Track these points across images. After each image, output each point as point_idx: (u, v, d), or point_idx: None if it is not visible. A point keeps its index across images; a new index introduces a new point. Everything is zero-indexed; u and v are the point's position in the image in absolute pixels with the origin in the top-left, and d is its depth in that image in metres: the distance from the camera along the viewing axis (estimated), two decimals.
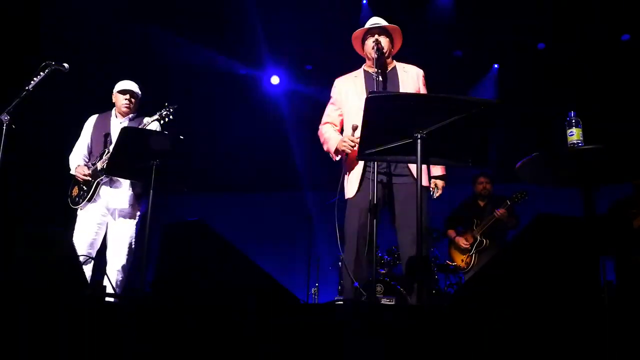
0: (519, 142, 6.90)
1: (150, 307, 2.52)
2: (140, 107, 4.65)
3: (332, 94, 3.85)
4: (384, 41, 3.65)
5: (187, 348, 2.24)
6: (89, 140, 4.57)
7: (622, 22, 6.75)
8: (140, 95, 4.62)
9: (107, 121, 4.58)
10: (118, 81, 4.64)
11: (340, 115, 3.75)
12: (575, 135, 3.01)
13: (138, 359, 2.26)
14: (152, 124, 4.36)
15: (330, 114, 3.81)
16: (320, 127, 3.83)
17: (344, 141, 3.49)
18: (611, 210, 5.47)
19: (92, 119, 4.65)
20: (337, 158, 3.66)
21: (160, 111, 4.28)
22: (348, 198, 3.65)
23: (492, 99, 2.74)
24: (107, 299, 3.63)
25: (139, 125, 4.48)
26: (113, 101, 4.64)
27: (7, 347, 2.29)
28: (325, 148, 3.74)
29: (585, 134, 3.02)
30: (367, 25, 3.73)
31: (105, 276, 4.16)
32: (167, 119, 4.26)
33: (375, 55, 3.51)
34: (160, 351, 2.25)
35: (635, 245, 4.92)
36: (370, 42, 3.63)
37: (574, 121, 3.04)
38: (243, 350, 2.18)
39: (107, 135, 4.49)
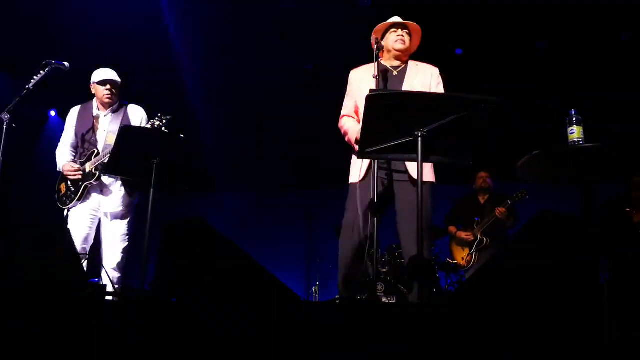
0: (519, 140, 6.88)
1: (150, 305, 2.52)
2: (121, 92, 4.46)
3: (348, 87, 3.86)
4: (406, 38, 3.72)
5: (187, 347, 2.24)
6: (73, 135, 4.42)
7: (623, 21, 6.74)
8: (120, 82, 4.41)
9: (90, 113, 4.42)
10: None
11: (357, 106, 3.74)
12: (576, 133, 3.01)
13: (138, 357, 2.26)
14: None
15: (347, 105, 3.81)
16: (340, 120, 3.82)
17: None
18: (605, 208, 5.46)
19: (75, 111, 4.48)
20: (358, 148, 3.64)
21: (153, 120, 4.09)
22: (351, 183, 3.66)
23: (493, 97, 2.73)
24: (107, 297, 3.65)
25: (123, 116, 4.37)
26: (92, 92, 4.44)
27: (9, 346, 2.29)
28: (347, 139, 3.72)
29: (585, 132, 3.01)
30: (390, 21, 3.78)
31: (105, 273, 4.15)
32: (159, 130, 4.06)
33: (376, 52, 3.53)
34: (160, 350, 2.25)
35: (636, 242, 4.90)
36: (392, 37, 3.70)
37: (574, 119, 3.04)
38: (244, 349, 2.18)
39: (92, 129, 4.36)
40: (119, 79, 4.41)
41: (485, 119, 2.76)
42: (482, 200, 6.15)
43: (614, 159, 3.05)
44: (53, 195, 4.46)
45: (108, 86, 4.34)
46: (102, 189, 4.30)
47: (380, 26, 3.77)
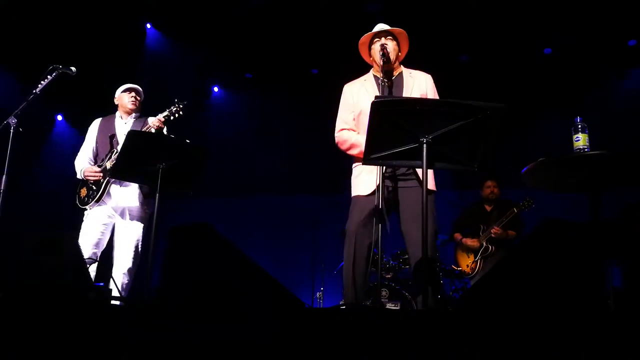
0: (524, 147, 6.88)
1: (156, 310, 2.53)
2: (142, 108, 4.69)
3: (343, 100, 3.78)
4: (391, 45, 3.64)
5: (192, 351, 2.24)
6: (94, 144, 4.57)
7: (629, 27, 6.74)
8: (143, 96, 4.68)
9: (112, 123, 4.60)
10: (119, 83, 4.72)
11: (355, 119, 3.68)
12: (581, 140, 3.01)
13: None
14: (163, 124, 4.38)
15: (346, 119, 3.71)
16: (337, 134, 3.72)
17: None
18: (621, 214, 5.43)
19: (97, 123, 4.66)
20: None
21: (170, 107, 4.29)
22: (354, 196, 3.62)
23: (498, 104, 2.72)
24: (112, 302, 3.65)
25: (143, 126, 4.48)
26: (116, 103, 4.66)
27: (13, 349, 2.30)
28: (356, 152, 3.62)
29: (591, 139, 3.01)
30: (374, 30, 3.72)
31: (111, 279, 4.16)
32: (176, 115, 4.27)
33: (382, 61, 3.49)
34: (165, 355, 2.25)
35: None
36: (377, 47, 3.60)
37: (580, 126, 3.03)
38: (247, 355, 2.18)
39: (113, 136, 4.50)
40: (142, 90, 4.68)
41: (490, 125, 2.76)
42: (488, 208, 6.14)
43: (619, 166, 3.04)
44: (61, 199, 4.50)
45: (133, 93, 4.60)
46: (122, 183, 4.39)
47: (365, 37, 3.71)
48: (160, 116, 4.35)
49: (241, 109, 8.51)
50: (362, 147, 3.44)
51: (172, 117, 4.30)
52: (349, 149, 3.67)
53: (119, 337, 2.32)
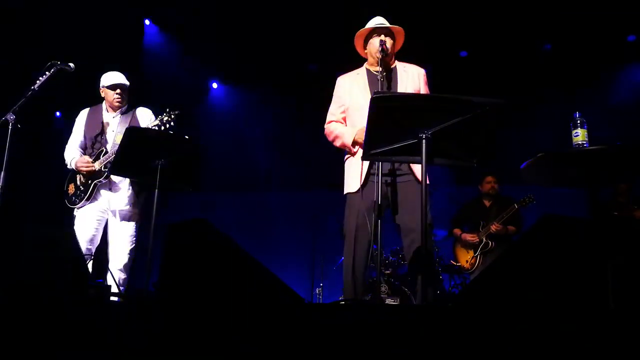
0: (523, 143, 6.88)
1: (154, 306, 2.53)
2: (129, 95, 4.53)
3: (335, 92, 3.83)
4: (388, 42, 3.65)
5: (191, 347, 2.24)
6: (82, 136, 4.48)
7: (629, 23, 6.73)
8: (128, 85, 4.48)
9: (99, 115, 4.48)
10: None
11: (344, 112, 3.74)
12: (580, 136, 3.01)
13: (141, 358, 2.27)
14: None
15: (335, 112, 3.79)
16: (326, 126, 3.80)
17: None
18: (594, 212, 5.46)
19: (84, 114, 4.56)
20: (355, 149, 3.61)
21: (161, 116, 4.16)
22: (347, 193, 3.64)
23: (498, 99, 2.72)
24: (111, 298, 3.65)
25: (132, 117, 4.43)
26: (102, 95, 4.51)
27: (12, 346, 2.30)
28: (339, 144, 3.71)
29: (590, 135, 3.01)
30: (372, 24, 3.72)
31: (110, 274, 4.15)
32: (167, 125, 4.12)
33: (380, 55, 3.50)
34: (164, 350, 2.25)
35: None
36: (375, 42, 3.62)
37: (579, 122, 3.03)
38: (247, 351, 2.18)
39: (101, 130, 4.41)
40: (127, 82, 4.48)
41: (489, 120, 2.76)
42: (487, 204, 6.14)
43: (618, 161, 3.04)
44: (60, 196, 4.47)
45: (118, 90, 4.43)
46: (111, 187, 4.33)
47: (363, 31, 3.73)
48: (150, 125, 4.26)
49: (241, 106, 8.50)
50: (344, 139, 3.63)
51: (162, 127, 4.13)
52: (333, 140, 3.75)
53: (117, 333, 2.32)
